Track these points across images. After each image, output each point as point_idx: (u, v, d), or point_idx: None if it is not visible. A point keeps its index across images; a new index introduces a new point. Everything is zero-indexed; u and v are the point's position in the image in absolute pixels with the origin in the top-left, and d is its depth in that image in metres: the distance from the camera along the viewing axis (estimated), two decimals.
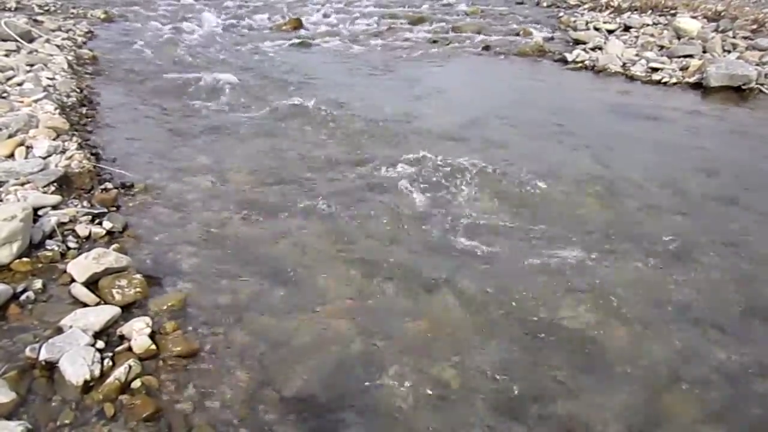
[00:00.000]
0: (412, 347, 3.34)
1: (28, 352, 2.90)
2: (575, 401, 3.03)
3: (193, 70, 8.56)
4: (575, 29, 12.30)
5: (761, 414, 3.01)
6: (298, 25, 12.83)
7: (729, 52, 10.08)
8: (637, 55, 10.29)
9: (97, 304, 3.36)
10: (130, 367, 2.88)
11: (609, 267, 4.18)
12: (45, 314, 3.25)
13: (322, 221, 4.64)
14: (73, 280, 3.51)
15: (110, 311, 3.25)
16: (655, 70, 9.61)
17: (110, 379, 2.81)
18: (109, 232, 4.14)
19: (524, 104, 8.20)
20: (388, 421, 2.86)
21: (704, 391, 3.13)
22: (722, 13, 12.35)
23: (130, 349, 3.05)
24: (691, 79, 9.14)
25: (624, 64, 9.98)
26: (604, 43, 10.94)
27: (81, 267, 3.53)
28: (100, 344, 3.03)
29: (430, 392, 3.04)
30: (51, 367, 2.85)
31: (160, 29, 11.69)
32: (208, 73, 8.45)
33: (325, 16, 14.13)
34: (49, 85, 6.72)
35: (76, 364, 2.82)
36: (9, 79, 6.67)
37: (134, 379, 2.87)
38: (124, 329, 3.17)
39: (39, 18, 10.51)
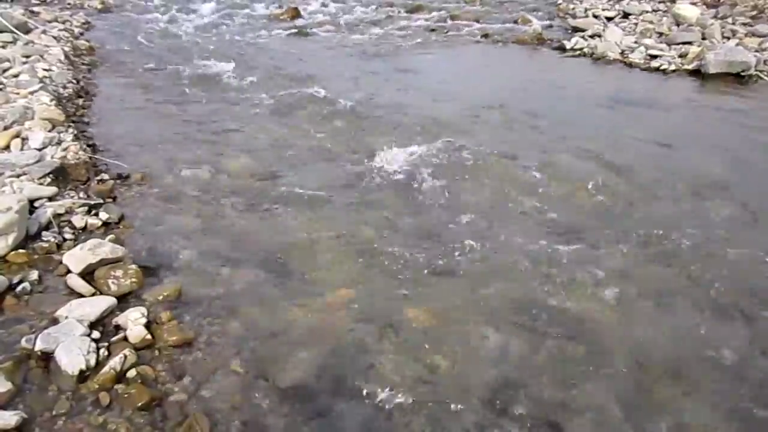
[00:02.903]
0: (408, 337, 3.36)
1: (24, 342, 2.93)
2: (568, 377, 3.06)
3: (190, 61, 8.53)
4: (574, 16, 12.20)
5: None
6: (296, 14, 12.74)
7: (728, 38, 10.00)
8: (635, 42, 10.21)
9: (93, 294, 3.39)
10: (125, 356, 2.91)
11: (602, 252, 4.20)
12: (41, 305, 3.28)
13: (317, 211, 4.65)
14: (69, 271, 3.53)
15: (106, 302, 3.28)
16: (653, 57, 9.54)
17: (106, 369, 2.83)
18: (105, 223, 4.17)
19: (522, 92, 8.18)
20: (383, 412, 2.87)
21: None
22: (721, 0, 12.25)
23: (125, 339, 3.08)
24: (690, 66, 9.08)
25: (623, 51, 9.91)
26: (603, 30, 10.84)
27: (77, 258, 3.55)
28: (96, 334, 3.06)
29: (427, 382, 3.06)
30: (47, 357, 2.88)
31: (157, 19, 11.65)
32: (205, 63, 8.44)
33: (323, 5, 14.04)
34: (45, 77, 6.70)
35: (72, 354, 2.84)
36: (5, 70, 6.64)
37: (130, 368, 2.90)
38: (120, 319, 3.19)
39: (35, 9, 10.44)
